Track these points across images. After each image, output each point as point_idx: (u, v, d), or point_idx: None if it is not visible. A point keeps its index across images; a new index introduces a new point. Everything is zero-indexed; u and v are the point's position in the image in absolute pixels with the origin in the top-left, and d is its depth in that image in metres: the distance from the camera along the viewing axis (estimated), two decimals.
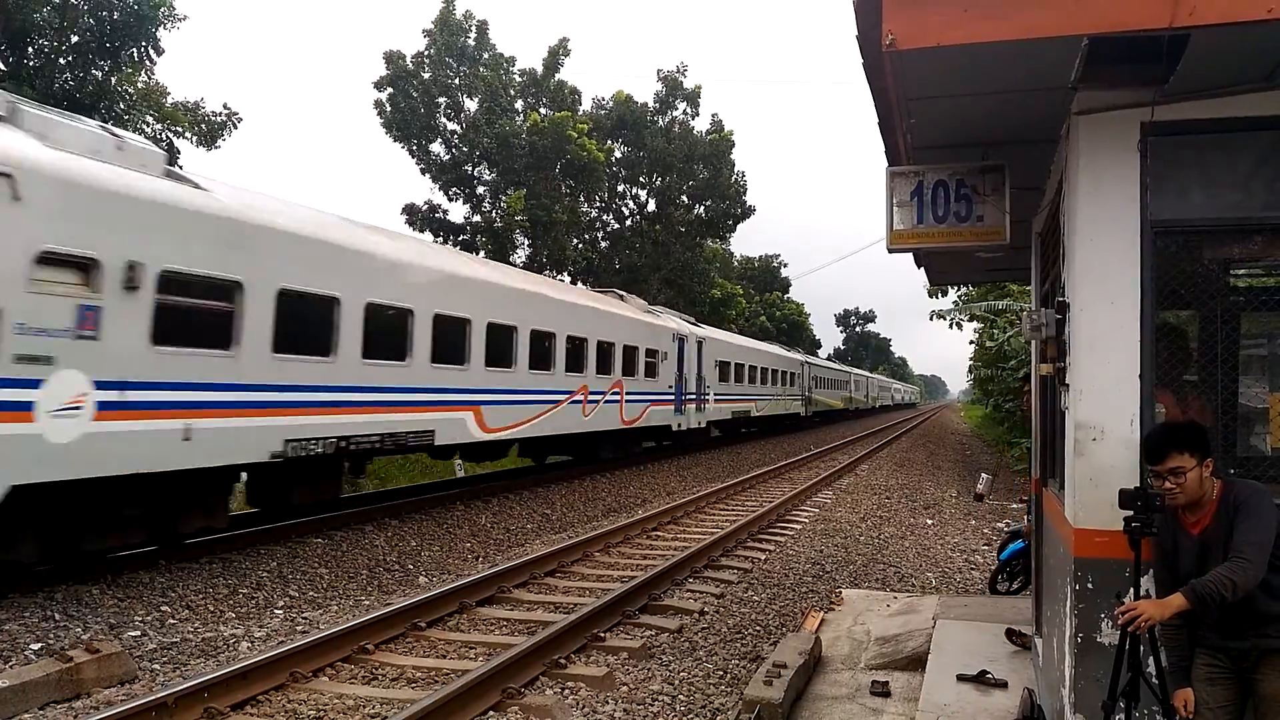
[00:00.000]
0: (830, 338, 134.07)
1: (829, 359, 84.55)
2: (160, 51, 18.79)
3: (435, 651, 7.52)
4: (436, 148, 35.20)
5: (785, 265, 73.50)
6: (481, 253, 32.96)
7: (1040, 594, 5.95)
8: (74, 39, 18.01)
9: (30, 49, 17.79)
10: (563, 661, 7.01)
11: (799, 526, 14.38)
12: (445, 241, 34.05)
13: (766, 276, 70.74)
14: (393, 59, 33.61)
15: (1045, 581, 5.60)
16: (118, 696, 6.26)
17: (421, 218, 34.90)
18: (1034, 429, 6.42)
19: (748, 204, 43.43)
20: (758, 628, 8.42)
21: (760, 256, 72.31)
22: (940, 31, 3.40)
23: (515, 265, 31.16)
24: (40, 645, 7.18)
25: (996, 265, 8.03)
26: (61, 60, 18.17)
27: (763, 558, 11.79)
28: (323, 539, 11.40)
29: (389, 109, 33.87)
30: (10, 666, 6.63)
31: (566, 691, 6.54)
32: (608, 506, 16.64)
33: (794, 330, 69.29)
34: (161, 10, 18.50)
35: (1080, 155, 3.87)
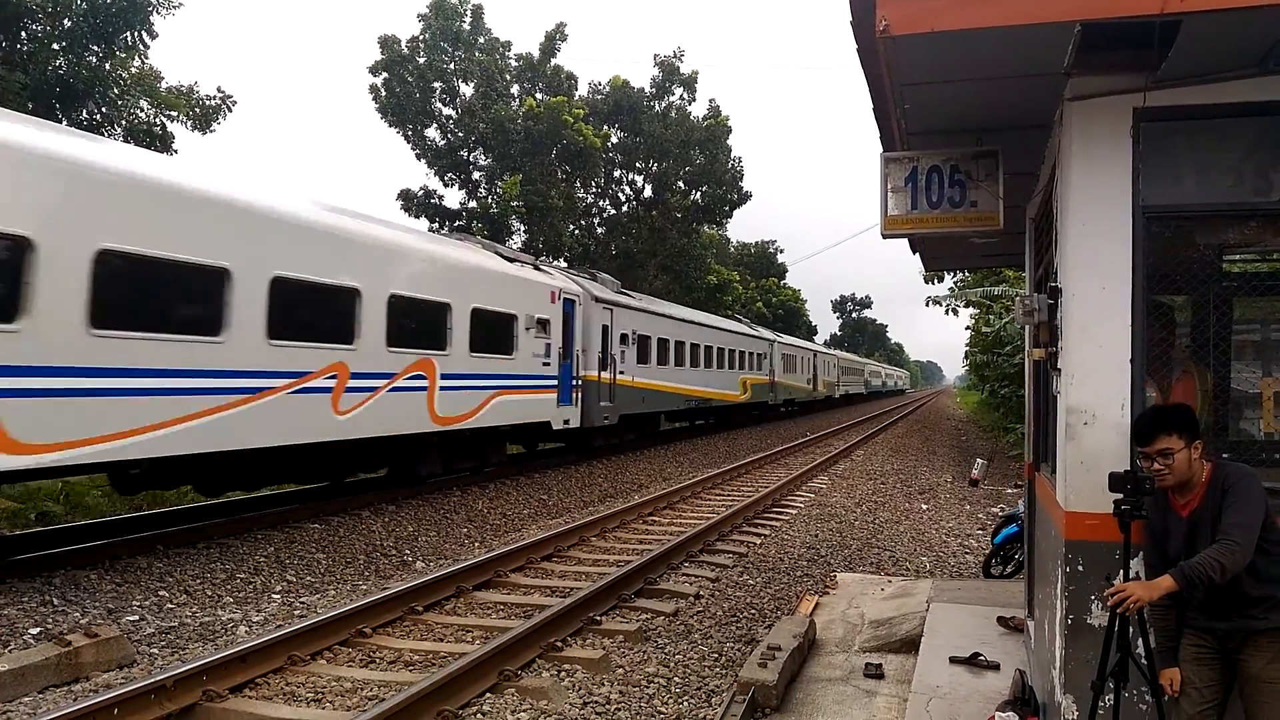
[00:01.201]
0: (827, 324, 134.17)
1: (825, 344, 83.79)
2: (154, 36, 18.70)
3: (433, 635, 7.57)
4: (432, 133, 35.10)
5: (782, 251, 73.38)
6: (478, 239, 32.91)
7: (1032, 577, 6.00)
8: (67, 24, 17.90)
9: (23, 34, 17.69)
10: (559, 644, 7.07)
11: (794, 511, 14.44)
12: (441, 228, 34.00)
13: (763, 262, 70.62)
14: (388, 43, 33.46)
15: (1037, 564, 5.65)
16: (116, 680, 6.30)
17: (417, 204, 34.83)
18: (1027, 413, 6.46)
19: (744, 190, 43.29)
20: (753, 611, 8.47)
21: (757, 242, 72.17)
22: (934, 17, 3.41)
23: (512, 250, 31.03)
24: (39, 630, 7.21)
25: (991, 251, 8.05)
26: (55, 45, 18.06)
27: (758, 542, 11.84)
28: (319, 524, 11.43)
29: (384, 94, 33.74)
30: (9, 651, 6.66)
31: (563, 674, 6.59)
32: (604, 492, 16.69)
33: (791, 316, 69.27)
34: None
35: (1073, 141, 3.89)
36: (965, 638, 6.51)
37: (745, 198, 43.44)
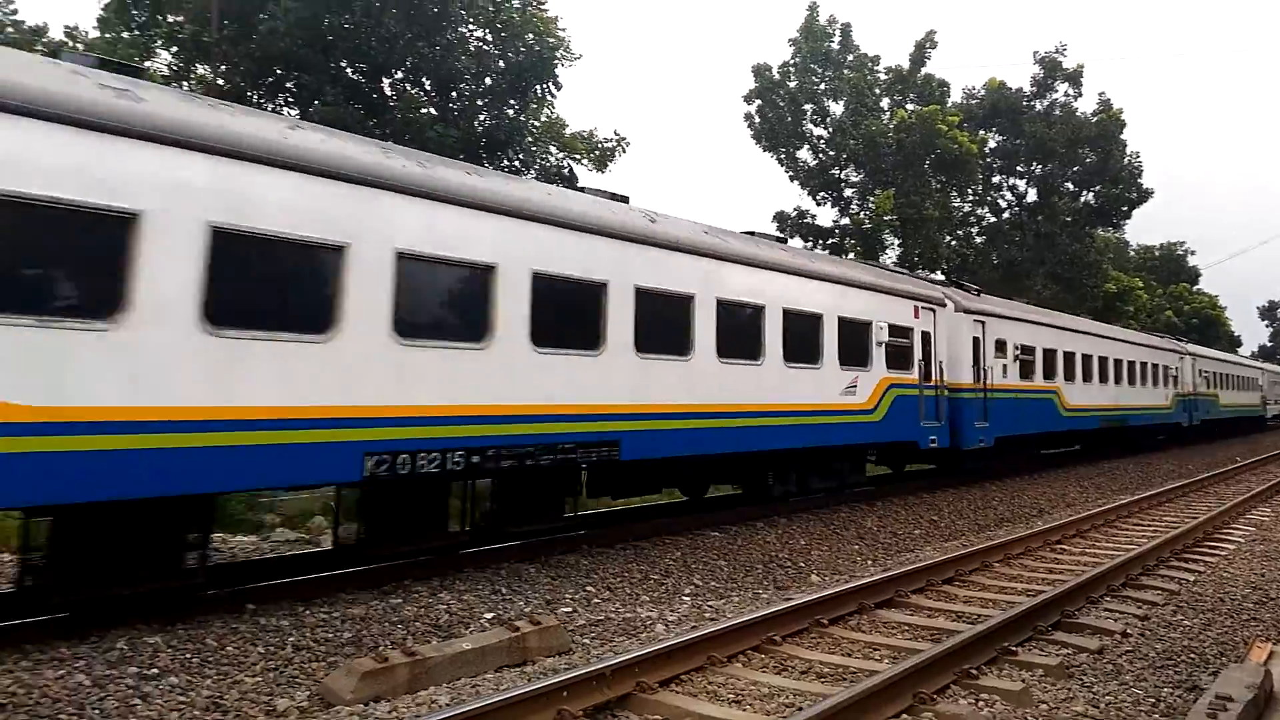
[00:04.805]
0: (1256, 334, 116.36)
1: (1253, 355, 72.57)
2: (559, 87, 20.87)
3: (839, 649, 7.58)
4: (804, 153, 35.54)
5: (1193, 253, 65.22)
6: (850, 255, 32.78)
7: None
8: (488, 82, 20.51)
9: (454, 93, 20.55)
10: (973, 672, 6.76)
11: (1232, 546, 12.66)
12: (814, 246, 34.29)
13: (1170, 266, 63.16)
14: (760, 71, 34.48)
15: None
16: (559, 665, 6.96)
17: (791, 224, 35.43)
18: None
19: (1144, 187, 39.12)
20: (1191, 655, 7.55)
21: (1161, 244, 64.76)
22: None
23: (886, 265, 30.59)
24: (492, 615, 8.25)
25: None
26: (479, 102, 20.77)
27: (1190, 579, 10.53)
28: (719, 533, 12.00)
29: (758, 120, 34.78)
30: (470, 632, 7.69)
31: (981, 703, 6.28)
32: (1000, 516, 15.78)
33: (1206, 326, 61.05)
34: (559, 51, 20.56)
35: None
36: None
37: (1145, 196, 39.32)
